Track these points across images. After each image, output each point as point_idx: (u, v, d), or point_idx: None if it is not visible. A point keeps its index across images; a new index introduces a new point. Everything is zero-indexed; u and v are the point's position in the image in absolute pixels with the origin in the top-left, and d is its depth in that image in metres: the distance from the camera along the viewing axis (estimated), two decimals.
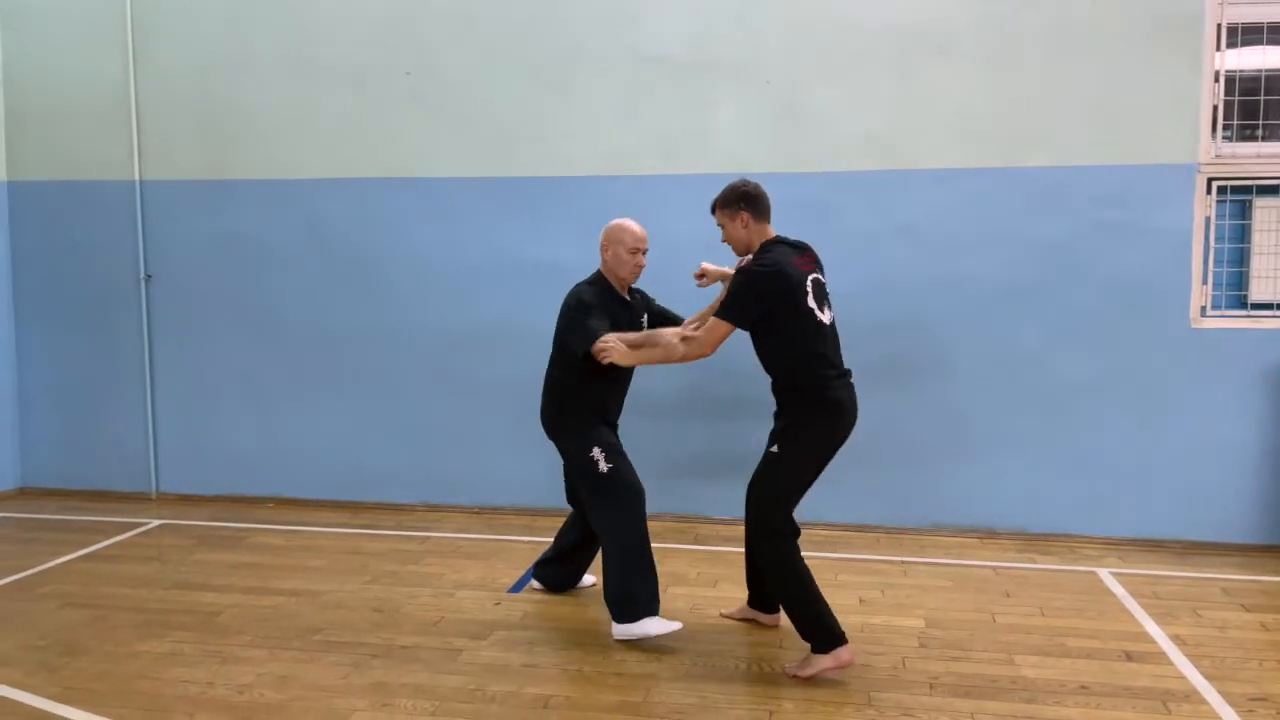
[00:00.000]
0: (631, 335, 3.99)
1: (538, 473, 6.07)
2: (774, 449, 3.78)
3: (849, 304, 5.11)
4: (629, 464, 4.15)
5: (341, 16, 6.06)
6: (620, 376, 4.25)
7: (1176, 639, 4.09)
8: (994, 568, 5.09)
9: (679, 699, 3.52)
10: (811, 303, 3.70)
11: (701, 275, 4.33)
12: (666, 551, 5.36)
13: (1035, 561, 5.19)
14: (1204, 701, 3.50)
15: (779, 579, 3.74)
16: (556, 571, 4.65)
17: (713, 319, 3.72)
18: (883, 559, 5.20)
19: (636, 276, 4.26)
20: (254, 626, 4.23)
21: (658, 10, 5.73)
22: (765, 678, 3.72)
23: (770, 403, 3.93)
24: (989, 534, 5.61)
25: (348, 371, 6.24)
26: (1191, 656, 3.90)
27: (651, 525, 5.77)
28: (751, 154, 5.69)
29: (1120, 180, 5.36)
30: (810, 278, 3.74)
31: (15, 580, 4.87)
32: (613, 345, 3.86)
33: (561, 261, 5.93)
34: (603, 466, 4.07)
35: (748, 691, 3.59)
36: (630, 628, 3.99)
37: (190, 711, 3.43)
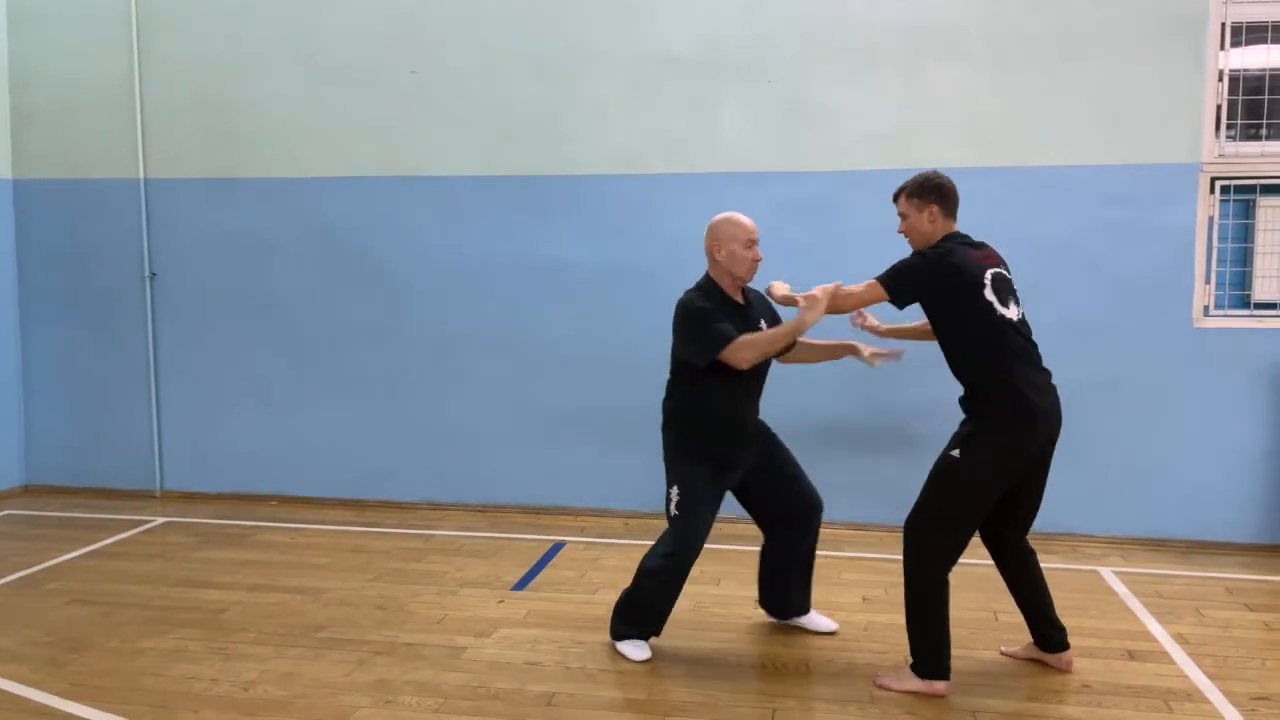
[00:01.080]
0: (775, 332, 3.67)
1: (541, 471, 6.09)
2: (954, 453, 3.52)
3: None
4: (704, 521, 3.79)
5: (346, 15, 6.08)
6: (748, 395, 3.88)
7: (1179, 638, 4.09)
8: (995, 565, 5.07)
9: (682, 697, 3.53)
10: (990, 295, 3.48)
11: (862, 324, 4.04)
12: None
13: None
14: (1206, 701, 3.50)
15: (911, 581, 3.53)
16: (773, 596, 4.19)
17: (870, 281, 3.53)
18: (886, 558, 5.20)
19: (754, 273, 3.86)
20: (258, 624, 4.24)
21: (664, 9, 5.74)
22: (768, 675, 3.73)
23: (770, 399, 3.92)
24: None
25: (352, 369, 6.25)
26: (1194, 656, 3.90)
27: (656, 523, 5.82)
28: (757, 153, 5.70)
29: (1125, 179, 5.35)
30: (990, 271, 3.52)
31: (21, 577, 4.89)
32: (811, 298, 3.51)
33: (566, 260, 5.95)
34: (672, 509, 3.80)
35: (751, 689, 3.60)
36: (621, 644, 3.92)
37: (195, 708, 3.44)
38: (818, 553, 4.13)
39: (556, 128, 5.91)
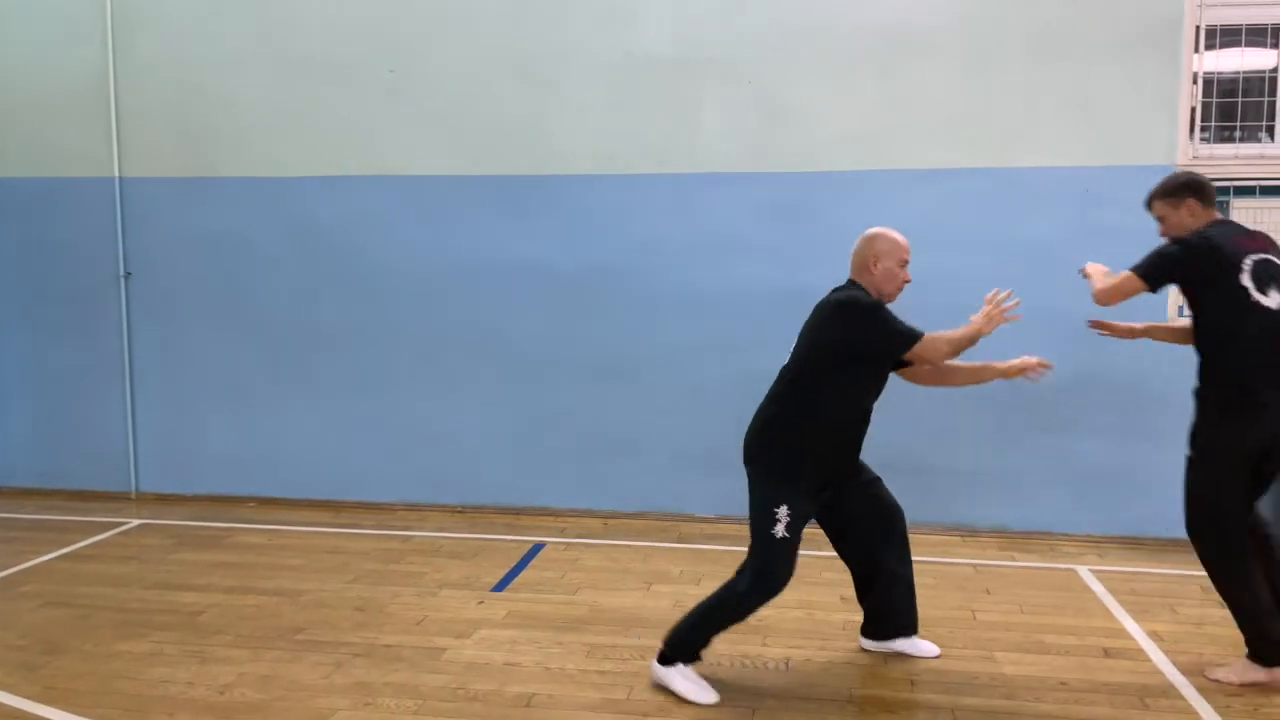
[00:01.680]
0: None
1: (520, 472, 6.08)
2: (1190, 454, 3.60)
3: None
4: (798, 545, 3.53)
5: (324, 12, 6.04)
6: (868, 414, 3.70)
7: (1154, 635, 4.13)
8: (975, 565, 5.12)
9: (662, 697, 3.53)
10: (1247, 280, 3.41)
11: (1101, 326, 3.99)
12: (649, 549, 5.37)
13: (1015, 559, 5.23)
14: (1181, 697, 3.54)
15: (1215, 580, 3.58)
16: (874, 621, 3.96)
17: (1127, 271, 3.58)
18: None
19: (900, 294, 3.71)
20: (235, 626, 4.21)
21: (643, 9, 5.74)
22: (748, 674, 3.73)
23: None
24: (970, 532, 5.65)
25: (330, 370, 6.22)
26: (1169, 653, 3.94)
27: (635, 523, 5.85)
28: (736, 153, 5.71)
29: (1100, 181, 5.40)
30: (1253, 257, 3.45)
31: None
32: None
33: (546, 260, 5.94)
34: (780, 530, 3.45)
35: (730, 688, 3.60)
36: (667, 671, 3.58)
37: (171, 712, 3.41)
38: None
39: (536, 128, 5.90)
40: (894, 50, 5.54)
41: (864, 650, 3.96)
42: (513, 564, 5.10)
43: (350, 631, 4.15)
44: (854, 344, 3.50)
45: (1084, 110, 5.40)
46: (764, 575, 3.48)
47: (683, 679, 3.54)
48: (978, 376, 3.87)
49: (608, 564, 5.11)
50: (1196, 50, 5.34)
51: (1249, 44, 5.40)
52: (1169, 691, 3.58)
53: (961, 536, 5.61)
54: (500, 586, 4.76)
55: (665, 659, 3.58)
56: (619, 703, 3.49)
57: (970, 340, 3.50)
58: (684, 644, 3.58)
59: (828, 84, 5.61)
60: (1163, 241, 3.70)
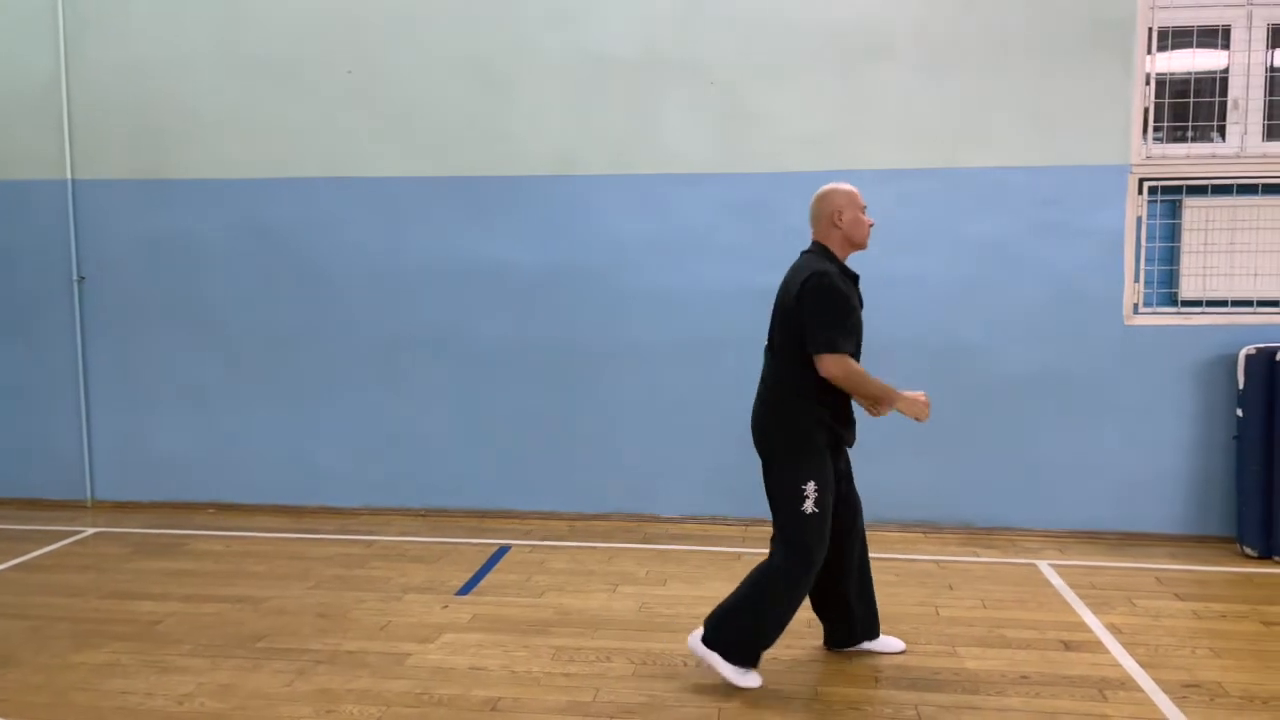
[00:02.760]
0: None
1: (484, 474, 6.05)
2: None
3: None
4: (829, 517, 3.55)
5: (281, 12, 5.97)
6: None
7: (1113, 628, 4.19)
8: (937, 561, 5.17)
9: (627, 698, 3.52)
10: None
11: None
12: (615, 551, 5.37)
13: (977, 555, 5.29)
14: (1139, 689, 3.59)
15: None
16: (837, 626, 3.92)
17: None
18: None
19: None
20: (194, 635, 4.15)
21: (603, 9, 5.73)
22: (713, 675, 3.73)
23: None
24: (933, 528, 5.70)
25: (289, 374, 6.15)
26: (1127, 645, 4.00)
27: (600, 524, 5.84)
28: (696, 154, 5.72)
29: (1055, 181, 5.47)
30: None
31: None
32: None
33: (508, 261, 5.92)
34: (809, 507, 3.48)
35: (696, 689, 3.60)
36: (723, 664, 3.57)
37: None
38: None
39: (496, 128, 5.87)
40: (853, 52, 5.58)
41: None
42: (477, 567, 5.07)
43: (312, 638, 4.10)
44: (804, 322, 3.52)
45: (1038, 111, 5.47)
46: (800, 550, 3.50)
47: (733, 670, 3.57)
48: (879, 398, 3.60)
49: (573, 566, 5.10)
50: (1149, 51, 5.43)
51: (1200, 45, 5.50)
52: (1127, 683, 3.64)
53: (924, 533, 5.66)
54: (465, 590, 4.73)
55: (725, 653, 3.57)
56: (585, 705, 3.48)
57: (869, 395, 3.56)
58: (740, 645, 3.57)
59: (788, 85, 5.64)
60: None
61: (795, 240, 5.49)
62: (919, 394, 3.58)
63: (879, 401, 3.56)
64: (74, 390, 6.33)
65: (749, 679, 3.60)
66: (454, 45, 5.87)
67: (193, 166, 6.12)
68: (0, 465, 6.44)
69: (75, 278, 6.26)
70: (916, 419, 3.59)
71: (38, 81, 6.18)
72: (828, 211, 3.66)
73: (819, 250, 3.68)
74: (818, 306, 3.47)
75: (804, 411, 3.56)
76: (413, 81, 5.91)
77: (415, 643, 4.05)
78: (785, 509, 3.54)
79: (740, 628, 3.57)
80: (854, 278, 3.73)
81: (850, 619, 3.88)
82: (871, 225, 3.72)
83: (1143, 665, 3.79)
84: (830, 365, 3.46)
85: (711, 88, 5.69)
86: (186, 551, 5.39)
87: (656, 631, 4.16)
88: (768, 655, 3.84)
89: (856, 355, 3.60)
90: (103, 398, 6.33)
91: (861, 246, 3.73)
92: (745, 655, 3.60)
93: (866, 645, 3.94)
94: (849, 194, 3.68)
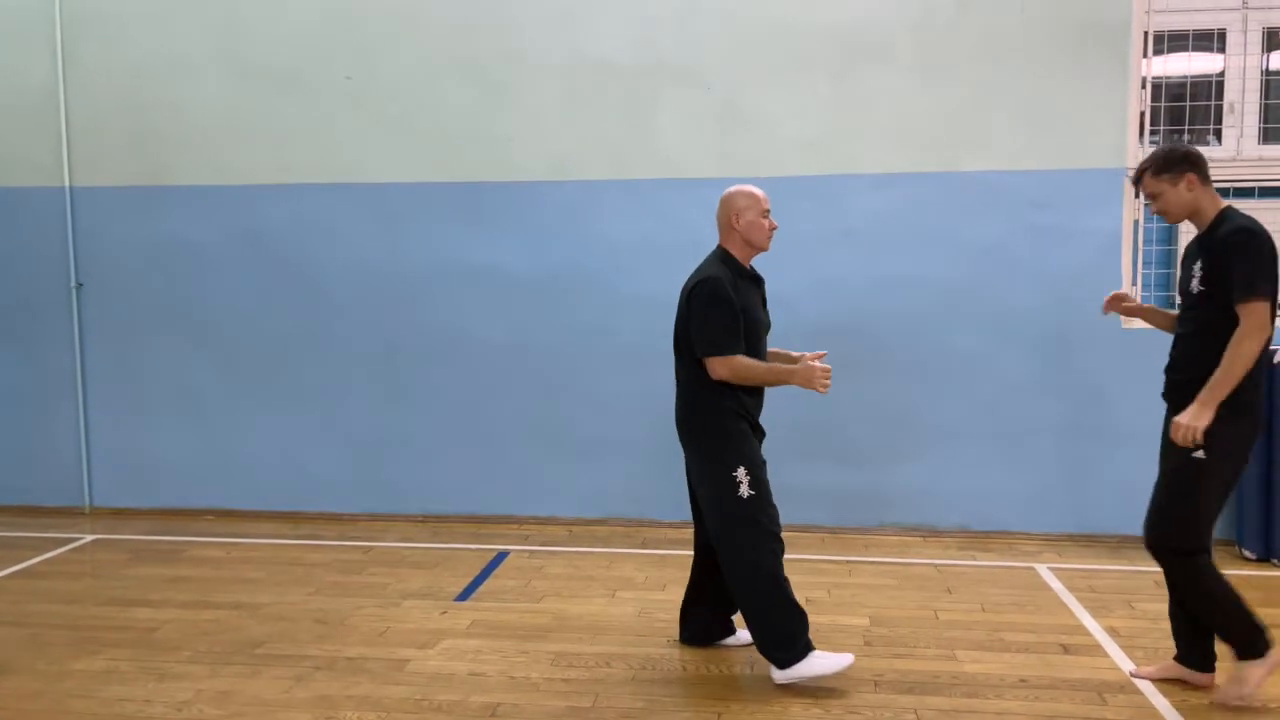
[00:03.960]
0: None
1: (482, 480, 6.04)
2: (1199, 455, 3.28)
3: (791, 307, 5.17)
4: (768, 485, 3.65)
5: (279, 19, 5.98)
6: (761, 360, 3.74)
7: (1111, 631, 4.19)
8: (936, 565, 5.17)
9: (627, 703, 3.52)
10: None
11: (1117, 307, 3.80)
12: (614, 556, 5.36)
13: (976, 558, 5.29)
14: (1138, 692, 3.59)
15: (1189, 588, 3.39)
16: (701, 617, 4.03)
17: (1247, 305, 3.18)
18: (828, 559, 5.25)
19: (771, 241, 3.77)
20: (193, 642, 4.14)
21: (599, 14, 5.74)
22: (712, 679, 3.74)
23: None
24: (931, 532, 5.70)
25: (288, 380, 6.15)
26: (1126, 648, 4.00)
27: (598, 530, 5.83)
28: (693, 158, 5.73)
29: (1052, 184, 5.48)
30: None
31: None
32: (1188, 424, 3.22)
33: (505, 266, 5.92)
34: (744, 491, 3.55)
35: (695, 693, 3.60)
36: (797, 669, 3.57)
37: None
38: None
39: (492, 134, 5.88)
40: (849, 55, 5.59)
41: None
42: (476, 573, 5.07)
43: (311, 644, 4.10)
44: (689, 327, 3.65)
45: (1034, 114, 5.48)
46: (759, 537, 3.56)
47: (811, 665, 3.57)
48: (776, 380, 3.65)
49: (572, 571, 5.10)
50: (1145, 55, 5.44)
51: (1196, 49, 5.52)
52: (1126, 686, 3.64)
53: (922, 536, 5.66)
54: (464, 596, 4.73)
55: (784, 664, 3.58)
56: (584, 711, 3.48)
57: (768, 380, 3.62)
58: (782, 644, 3.58)
59: (785, 89, 5.65)
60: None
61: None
62: (814, 364, 3.57)
63: (780, 383, 3.61)
64: (72, 397, 6.32)
65: (833, 660, 3.59)
66: (452, 51, 5.87)
67: (191, 173, 6.12)
68: None
69: (73, 284, 6.26)
70: (814, 389, 3.54)
71: (35, 89, 6.18)
72: (729, 213, 3.73)
73: (718, 254, 3.76)
74: (701, 312, 3.59)
75: (715, 405, 3.64)
76: (411, 87, 5.92)
77: (414, 648, 4.04)
78: (723, 507, 3.60)
79: (773, 628, 3.58)
80: (755, 279, 3.82)
81: (712, 617, 4.00)
82: (773, 229, 3.76)
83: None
84: (717, 367, 3.58)
85: (708, 92, 5.70)
86: (185, 558, 5.39)
87: (655, 637, 4.16)
88: (766, 661, 3.83)
89: (752, 353, 3.64)
90: (101, 404, 6.32)
91: (761, 248, 3.78)
92: (800, 645, 3.58)
93: (728, 641, 4.04)
94: (750, 196, 3.73)
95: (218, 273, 6.15)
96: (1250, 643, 3.38)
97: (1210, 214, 3.42)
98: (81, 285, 6.26)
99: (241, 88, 6.04)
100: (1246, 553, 5.24)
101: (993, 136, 5.52)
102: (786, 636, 3.58)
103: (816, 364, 3.57)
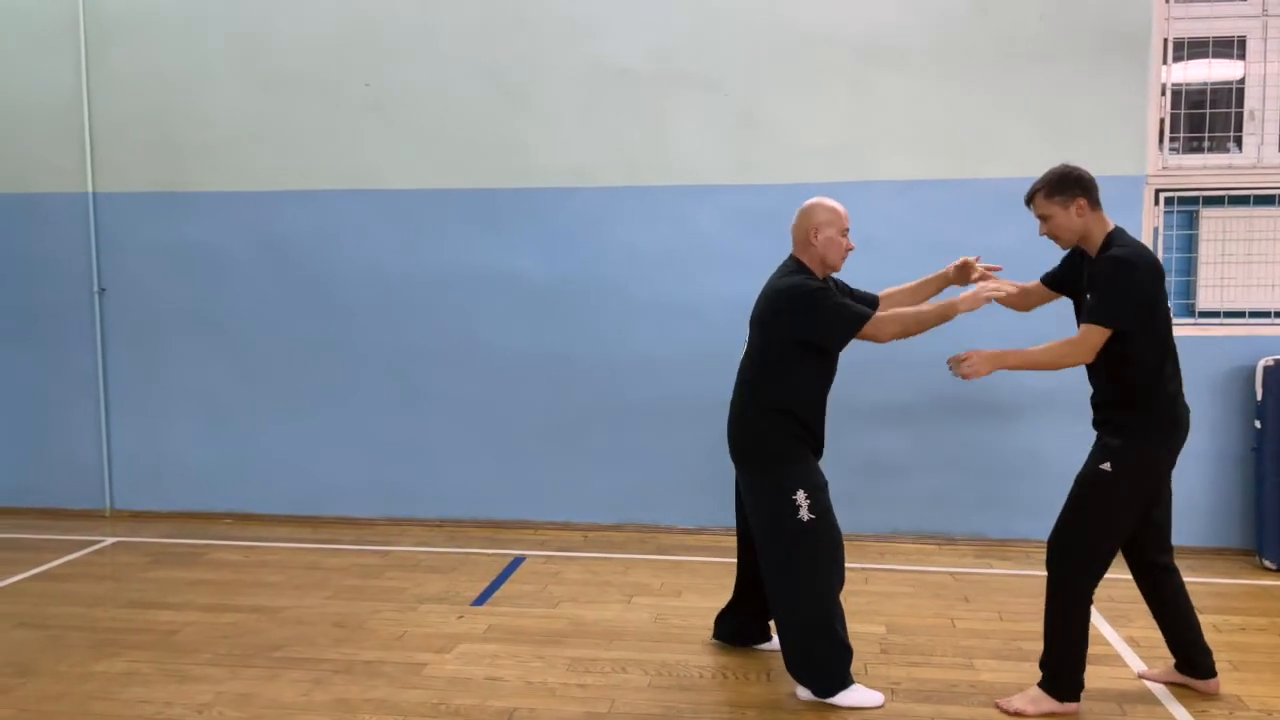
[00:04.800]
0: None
1: (499, 485, 6.06)
2: (1105, 466, 3.36)
3: None
4: (832, 509, 3.55)
5: (300, 27, 6.02)
6: (830, 385, 3.67)
7: (1131, 641, 4.17)
8: (953, 573, 5.15)
9: (644, 709, 3.52)
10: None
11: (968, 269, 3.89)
12: (630, 562, 5.37)
13: (993, 566, 5.26)
14: (1158, 703, 3.57)
15: (1057, 600, 3.40)
16: (732, 625, 4.05)
17: (1087, 325, 3.27)
18: (851, 566, 5.22)
19: (845, 262, 3.69)
20: (212, 644, 4.17)
21: (618, 22, 5.76)
22: (730, 686, 3.73)
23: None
24: (947, 540, 5.68)
25: (306, 385, 6.18)
26: (1146, 659, 3.97)
27: (615, 536, 5.84)
28: (711, 166, 5.74)
29: None
30: None
31: None
32: (976, 359, 3.32)
33: (523, 273, 5.95)
34: (804, 515, 3.44)
35: (713, 700, 3.60)
36: (841, 699, 3.52)
37: None
38: None
39: (511, 141, 5.90)
40: (866, 62, 5.58)
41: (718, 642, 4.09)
42: (492, 578, 5.08)
43: (329, 648, 4.12)
44: (801, 334, 3.51)
45: (1054, 122, 5.46)
46: (818, 563, 3.47)
47: (852, 695, 3.51)
48: (942, 316, 3.62)
49: (588, 577, 5.11)
50: (1165, 62, 5.42)
51: (1216, 55, 5.49)
52: (1146, 697, 3.62)
53: (939, 545, 5.64)
54: (480, 600, 4.74)
55: (831, 690, 3.51)
56: (601, 716, 3.48)
57: (934, 320, 3.54)
58: (827, 676, 3.51)
59: (803, 96, 5.65)
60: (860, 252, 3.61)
61: None
62: (978, 290, 3.54)
63: (948, 316, 3.53)
64: (94, 401, 6.38)
65: (866, 695, 3.54)
66: (471, 58, 5.91)
67: (211, 179, 6.18)
68: (21, 475, 6.49)
69: (96, 289, 6.32)
70: (987, 302, 3.57)
71: (59, 95, 6.25)
72: (808, 227, 3.62)
73: (792, 264, 3.67)
74: (805, 311, 3.48)
75: (779, 424, 3.54)
76: (430, 94, 5.95)
77: (431, 653, 4.06)
78: (779, 528, 3.49)
79: (814, 654, 3.51)
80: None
81: (757, 621, 3.99)
82: (850, 249, 3.67)
83: (1162, 679, 3.76)
84: (875, 330, 3.47)
85: (725, 99, 5.71)
86: (204, 561, 5.42)
87: (671, 643, 4.16)
88: (780, 665, 3.82)
89: (827, 372, 3.62)
90: (122, 408, 6.38)
91: (834, 269, 3.69)
92: (842, 677, 3.53)
93: (763, 646, 4.03)
94: (832, 211, 3.63)
95: (238, 278, 6.19)
96: (1062, 682, 3.41)
97: (1099, 239, 3.42)
98: (104, 290, 6.32)
99: (262, 95, 6.09)
100: (1267, 563, 5.20)
101: (1011, 144, 5.50)
102: (823, 672, 3.52)
103: (981, 287, 3.52)
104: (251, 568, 5.30)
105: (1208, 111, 5.50)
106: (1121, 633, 4.25)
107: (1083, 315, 3.35)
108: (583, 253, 5.88)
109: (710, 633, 4.17)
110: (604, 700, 3.61)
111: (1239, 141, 5.51)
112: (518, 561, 5.38)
